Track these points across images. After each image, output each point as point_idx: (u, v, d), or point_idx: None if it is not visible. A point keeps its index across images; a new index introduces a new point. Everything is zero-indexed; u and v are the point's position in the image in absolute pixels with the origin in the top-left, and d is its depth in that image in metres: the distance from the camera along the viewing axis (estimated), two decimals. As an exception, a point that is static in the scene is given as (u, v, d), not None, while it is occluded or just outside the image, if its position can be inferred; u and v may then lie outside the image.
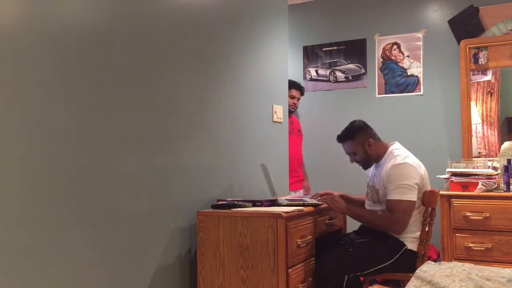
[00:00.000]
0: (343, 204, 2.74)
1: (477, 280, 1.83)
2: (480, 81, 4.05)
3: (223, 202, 2.71)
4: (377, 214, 2.65)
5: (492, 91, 4.05)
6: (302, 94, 4.32)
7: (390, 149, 2.74)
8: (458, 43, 4.08)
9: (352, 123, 2.85)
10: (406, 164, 2.60)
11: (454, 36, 4.14)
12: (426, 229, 2.63)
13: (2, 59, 1.79)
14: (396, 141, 2.82)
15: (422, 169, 2.66)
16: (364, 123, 2.84)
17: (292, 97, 4.12)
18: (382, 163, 2.73)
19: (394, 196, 2.57)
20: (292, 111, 4.17)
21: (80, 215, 2.07)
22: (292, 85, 4.12)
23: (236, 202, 2.67)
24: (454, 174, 3.61)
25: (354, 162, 2.85)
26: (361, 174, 3.14)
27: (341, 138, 2.83)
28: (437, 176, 3.74)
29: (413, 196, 2.56)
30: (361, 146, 2.76)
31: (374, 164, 2.85)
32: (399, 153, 2.68)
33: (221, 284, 2.52)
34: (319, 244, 2.78)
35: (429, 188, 2.68)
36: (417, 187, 2.58)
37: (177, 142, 2.64)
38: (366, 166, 2.85)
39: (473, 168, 3.62)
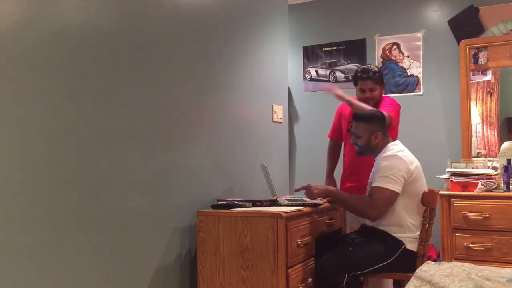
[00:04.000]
0: (322, 188, 2.73)
1: (477, 280, 1.83)
2: (480, 81, 4.05)
3: (223, 202, 2.71)
4: (357, 198, 2.71)
5: (492, 91, 4.05)
6: (378, 81, 3.29)
7: (388, 145, 2.77)
8: (458, 43, 4.07)
9: (376, 111, 2.90)
10: (396, 156, 2.64)
11: (454, 36, 4.14)
12: (426, 229, 2.63)
13: (3, 59, 1.79)
14: (397, 140, 2.83)
15: (414, 165, 2.66)
16: (383, 115, 2.85)
17: (361, 90, 3.31)
18: (378, 158, 2.75)
19: (377, 183, 2.61)
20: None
21: (80, 215, 2.07)
22: (358, 74, 3.33)
23: (236, 202, 2.68)
24: (454, 174, 3.61)
25: (354, 143, 2.87)
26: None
27: (358, 117, 2.84)
28: (437, 176, 3.74)
29: (396, 187, 2.59)
30: (370, 133, 2.77)
31: (375, 160, 2.85)
32: (393, 148, 2.72)
33: (221, 284, 2.52)
34: (319, 244, 2.78)
35: (423, 184, 2.69)
36: (403, 180, 2.60)
37: (177, 142, 2.64)
38: (361, 153, 2.87)
39: (473, 168, 3.62)
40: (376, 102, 3.32)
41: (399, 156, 2.64)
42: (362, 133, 2.80)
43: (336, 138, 3.61)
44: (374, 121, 2.79)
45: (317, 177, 4.45)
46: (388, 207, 2.62)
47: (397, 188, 2.59)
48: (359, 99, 3.36)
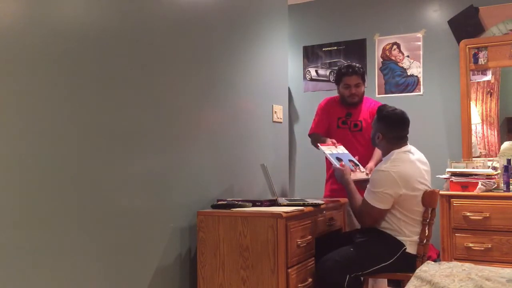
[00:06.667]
0: (343, 175, 2.85)
1: (477, 280, 1.83)
2: (480, 81, 4.05)
3: (223, 202, 2.71)
4: (354, 202, 2.76)
5: (492, 91, 4.05)
6: (363, 77, 3.34)
7: (395, 151, 2.69)
8: (458, 43, 4.07)
9: (394, 110, 2.75)
10: (387, 173, 2.59)
11: (454, 36, 4.14)
12: (426, 229, 2.63)
13: (3, 59, 1.79)
14: (409, 145, 2.73)
15: (410, 185, 2.58)
16: (398, 120, 2.72)
17: (346, 86, 3.31)
18: (381, 162, 2.75)
19: (367, 196, 2.67)
20: (352, 103, 3.33)
21: (80, 215, 2.07)
22: (343, 70, 3.33)
23: (236, 202, 2.68)
24: (454, 174, 3.60)
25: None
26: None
27: (377, 108, 2.86)
28: (437, 176, 3.74)
29: (382, 205, 2.60)
30: (375, 130, 2.81)
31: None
32: (394, 158, 2.65)
33: (221, 284, 2.52)
34: (319, 244, 2.78)
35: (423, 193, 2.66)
36: (390, 197, 2.59)
37: (177, 142, 2.64)
38: (372, 144, 2.92)
39: (473, 168, 3.62)
40: (360, 100, 3.36)
41: (390, 173, 2.57)
42: (372, 125, 2.85)
43: (320, 131, 3.46)
44: (380, 120, 2.76)
45: (316, 177, 4.46)
46: (376, 222, 2.68)
47: (384, 205, 2.61)
48: (343, 96, 3.36)
